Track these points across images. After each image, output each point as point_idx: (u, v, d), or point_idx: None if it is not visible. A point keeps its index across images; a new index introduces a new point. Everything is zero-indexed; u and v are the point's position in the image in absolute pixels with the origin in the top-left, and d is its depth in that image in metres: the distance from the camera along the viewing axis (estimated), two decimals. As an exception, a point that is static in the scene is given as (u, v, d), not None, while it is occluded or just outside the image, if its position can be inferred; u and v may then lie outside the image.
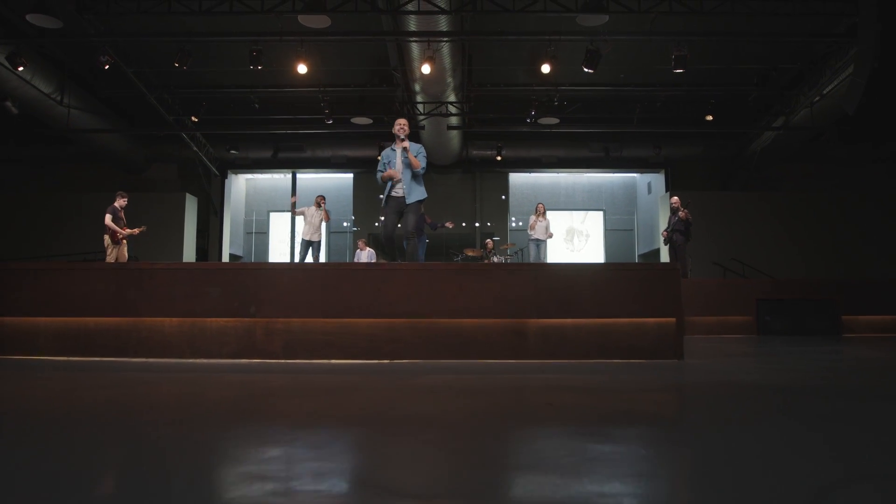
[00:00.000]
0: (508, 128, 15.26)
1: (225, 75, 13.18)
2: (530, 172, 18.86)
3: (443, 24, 10.75)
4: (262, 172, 18.92)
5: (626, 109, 14.28)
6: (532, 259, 12.26)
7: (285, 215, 19.17)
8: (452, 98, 13.69)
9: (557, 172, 18.79)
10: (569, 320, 4.76)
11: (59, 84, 13.66)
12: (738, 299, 9.29)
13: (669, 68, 11.00)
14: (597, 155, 16.75)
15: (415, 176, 6.63)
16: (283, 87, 13.50)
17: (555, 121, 15.17)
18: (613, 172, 19.14)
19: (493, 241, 14.85)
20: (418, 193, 6.66)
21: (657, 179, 18.02)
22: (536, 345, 4.77)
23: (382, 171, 6.64)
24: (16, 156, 16.49)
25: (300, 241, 11.76)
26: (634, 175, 19.56)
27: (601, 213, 19.40)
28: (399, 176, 6.46)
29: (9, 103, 13.00)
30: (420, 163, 6.57)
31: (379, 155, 6.73)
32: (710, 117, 13.36)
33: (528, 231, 12.25)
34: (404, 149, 6.57)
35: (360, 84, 13.42)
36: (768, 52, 11.93)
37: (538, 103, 13.39)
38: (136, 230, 11.48)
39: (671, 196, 12.18)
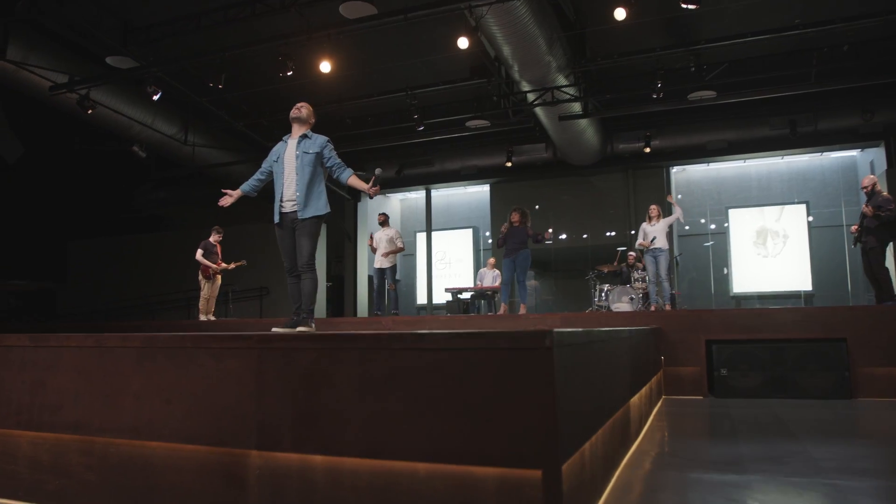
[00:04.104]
0: (640, 108, 11.73)
1: (311, 89, 11.81)
2: (699, 164, 14.84)
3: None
4: (394, 192, 17.49)
5: (803, 63, 10.03)
6: (650, 278, 8.90)
7: (437, 234, 17.51)
8: (562, 81, 10.79)
9: (734, 161, 14.52)
10: (318, 458, 2.06)
11: (183, 123, 13.56)
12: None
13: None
14: (780, 132, 12.37)
15: (314, 180, 4.41)
16: (372, 96, 11.78)
17: (711, 94, 11.35)
18: (820, 153, 14.29)
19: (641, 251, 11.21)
20: (317, 206, 4.42)
21: (879, 156, 12.91)
22: (263, 506, 2.15)
23: (264, 173, 4.62)
24: (178, 197, 17.01)
25: (374, 270, 9.86)
26: (854, 153, 14.43)
27: (803, 207, 14.55)
28: (374, 191, 4.58)
29: (136, 148, 13.10)
30: (342, 166, 4.56)
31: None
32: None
33: (638, 245, 8.98)
34: (303, 136, 4.50)
35: (450, 81, 11.14)
36: None
37: (663, 72, 9.88)
38: (233, 265, 10.85)
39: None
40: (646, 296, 9.77)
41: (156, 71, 9.41)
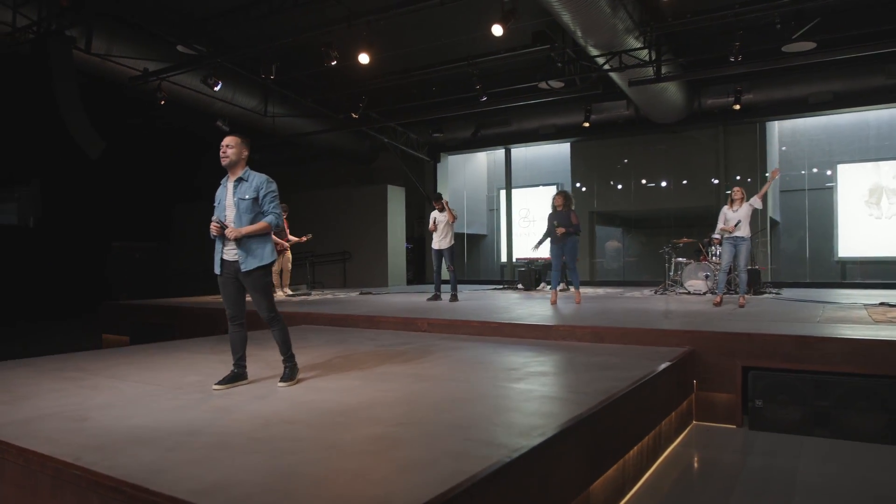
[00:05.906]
0: (721, 70, 10.47)
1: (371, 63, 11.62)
2: (798, 118, 13.29)
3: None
4: (474, 151, 17.14)
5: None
6: (724, 266, 8.11)
7: (521, 191, 17.11)
8: (633, 43, 9.89)
9: (835, 114, 12.85)
10: None
11: (262, 97, 13.90)
12: None
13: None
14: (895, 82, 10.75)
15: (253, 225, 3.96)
16: (437, 65, 11.40)
17: (809, 45, 9.98)
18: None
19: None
20: (261, 256, 3.94)
21: None
22: None
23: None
24: (267, 159, 17.61)
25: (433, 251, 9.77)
26: None
27: (928, 162, 12.75)
28: (235, 233, 3.89)
29: (219, 123, 13.62)
30: (272, 213, 3.98)
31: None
32: None
33: (719, 231, 8.07)
34: (239, 179, 3.98)
35: (512, 48, 10.52)
36: None
37: (741, 32, 8.74)
38: (304, 238, 11.28)
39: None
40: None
41: (219, 61, 9.61)
